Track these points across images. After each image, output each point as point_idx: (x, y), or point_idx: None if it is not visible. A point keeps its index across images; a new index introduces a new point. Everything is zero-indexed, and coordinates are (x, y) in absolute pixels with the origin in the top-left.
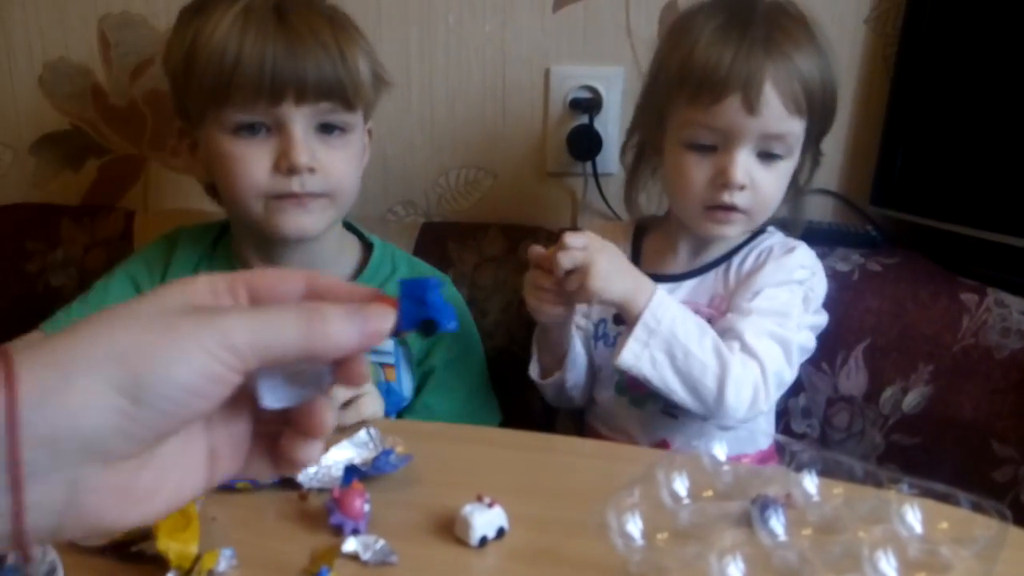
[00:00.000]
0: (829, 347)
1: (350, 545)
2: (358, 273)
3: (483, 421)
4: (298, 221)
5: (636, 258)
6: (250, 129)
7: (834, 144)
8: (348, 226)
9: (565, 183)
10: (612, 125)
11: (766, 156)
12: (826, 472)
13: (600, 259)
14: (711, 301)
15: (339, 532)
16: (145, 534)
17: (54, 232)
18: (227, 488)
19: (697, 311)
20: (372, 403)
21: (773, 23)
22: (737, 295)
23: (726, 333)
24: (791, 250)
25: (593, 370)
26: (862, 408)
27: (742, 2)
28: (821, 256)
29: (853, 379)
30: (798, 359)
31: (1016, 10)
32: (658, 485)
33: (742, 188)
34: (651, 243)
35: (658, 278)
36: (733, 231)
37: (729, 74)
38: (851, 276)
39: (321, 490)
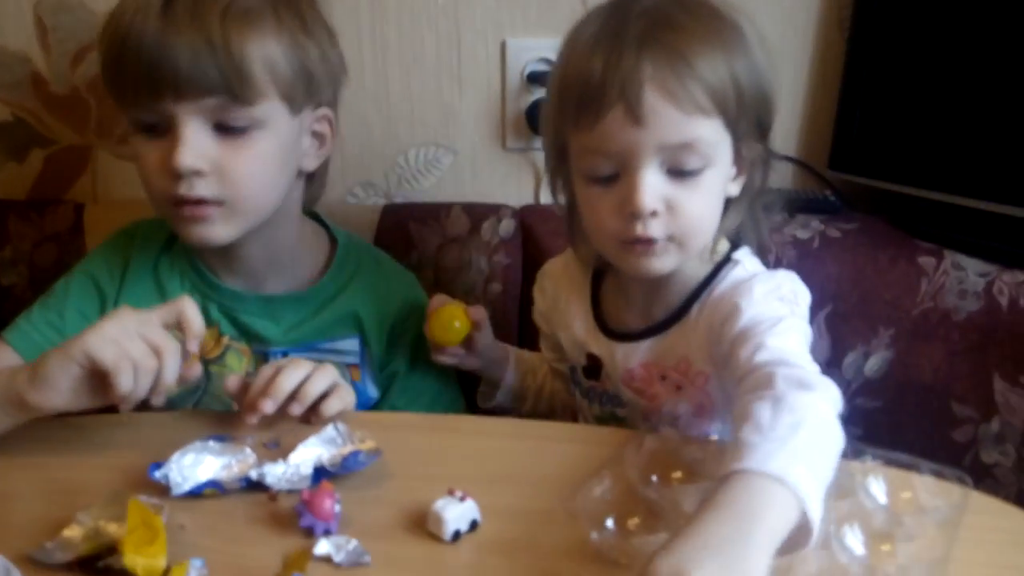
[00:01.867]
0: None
1: (322, 547)
2: (323, 270)
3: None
4: (198, 232)
5: (595, 306)
6: (150, 128)
7: (791, 109)
8: (314, 216)
9: (527, 157)
10: None
11: (678, 173)
12: None
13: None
14: (677, 364)
15: (310, 534)
16: (111, 549)
17: (1, 229)
18: (193, 495)
19: (664, 376)
20: (347, 395)
21: (654, 19)
22: (724, 344)
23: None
24: (749, 288)
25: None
26: (825, 374)
27: (622, 3)
28: (781, 224)
29: (816, 345)
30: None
31: None
32: (627, 470)
33: (654, 215)
34: (608, 286)
35: (615, 335)
36: (663, 264)
37: (603, 84)
38: (811, 243)
39: (290, 491)
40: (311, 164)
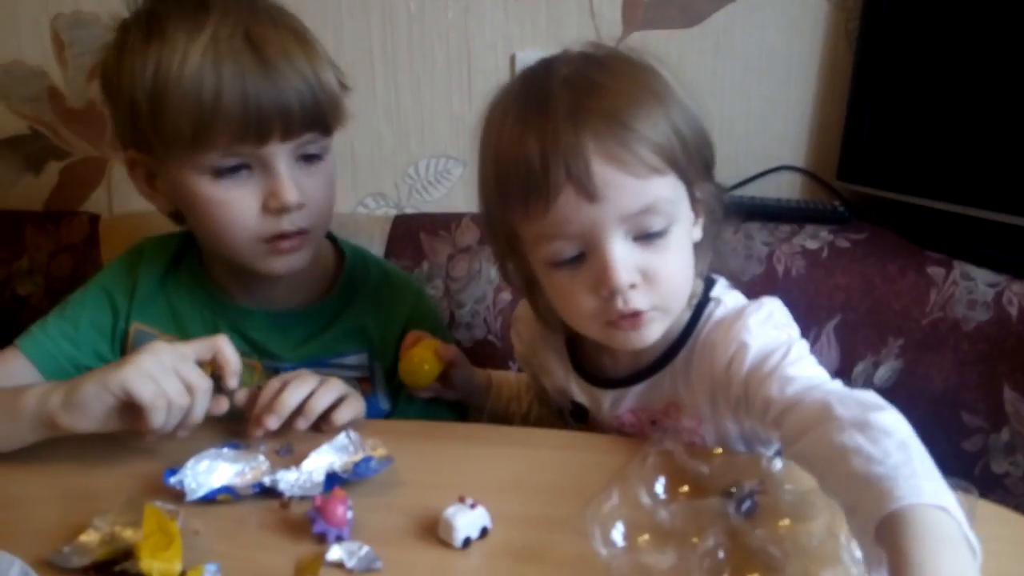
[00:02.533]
0: (801, 325)
1: (334, 553)
2: (332, 286)
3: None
4: (289, 262)
5: (574, 359)
6: (231, 171)
7: (800, 121)
8: None
9: None
10: None
11: (646, 237)
12: None
13: None
14: (667, 408)
15: (323, 540)
16: (128, 554)
17: (18, 240)
18: (207, 500)
19: (654, 421)
20: (357, 404)
21: (578, 87)
22: (734, 390)
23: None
24: (752, 310)
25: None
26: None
27: (536, 76)
28: (791, 235)
29: (825, 356)
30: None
31: None
32: (635, 485)
33: (633, 287)
34: (586, 340)
35: (600, 382)
36: (652, 333)
37: (546, 168)
38: (820, 254)
39: (303, 498)
40: None
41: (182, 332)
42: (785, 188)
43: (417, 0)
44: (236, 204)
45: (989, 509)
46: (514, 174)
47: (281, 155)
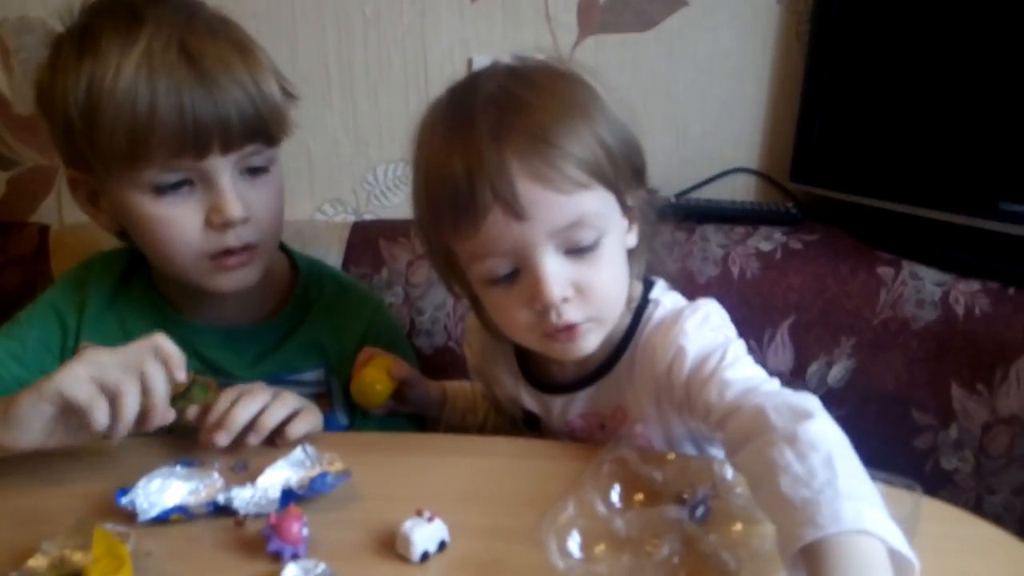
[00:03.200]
0: (756, 326)
1: (290, 572)
2: (286, 301)
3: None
4: (237, 278)
5: (523, 367)
6: (173, 187)
7: (754, 123)
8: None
9: None
10: None
11: (577, 252)
12: None
13: None
14: (614, 413)
15: (278, 558)
16: None
17: None
18: (160, 520)
19: (603, 425)
20: (312, 417)
21: (501, 105)
22: (671, 391)
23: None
24: (688, 314)
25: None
26: (790, 383)
27: (462, 92)
28: (745, 236)
29: (780, 356)
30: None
31: None
32: (590, 494)
33: (566, 300)
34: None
35: (549, 388)
36: (588, 344)
37: (472, 188)
38: (774, 255)
39: (258, 515)
40: None
41: None
42: (740, 190)
43: (372, 5)
44: (178, 221)
45: (935, 507)
46: (443, 194)
47: (223, 169)
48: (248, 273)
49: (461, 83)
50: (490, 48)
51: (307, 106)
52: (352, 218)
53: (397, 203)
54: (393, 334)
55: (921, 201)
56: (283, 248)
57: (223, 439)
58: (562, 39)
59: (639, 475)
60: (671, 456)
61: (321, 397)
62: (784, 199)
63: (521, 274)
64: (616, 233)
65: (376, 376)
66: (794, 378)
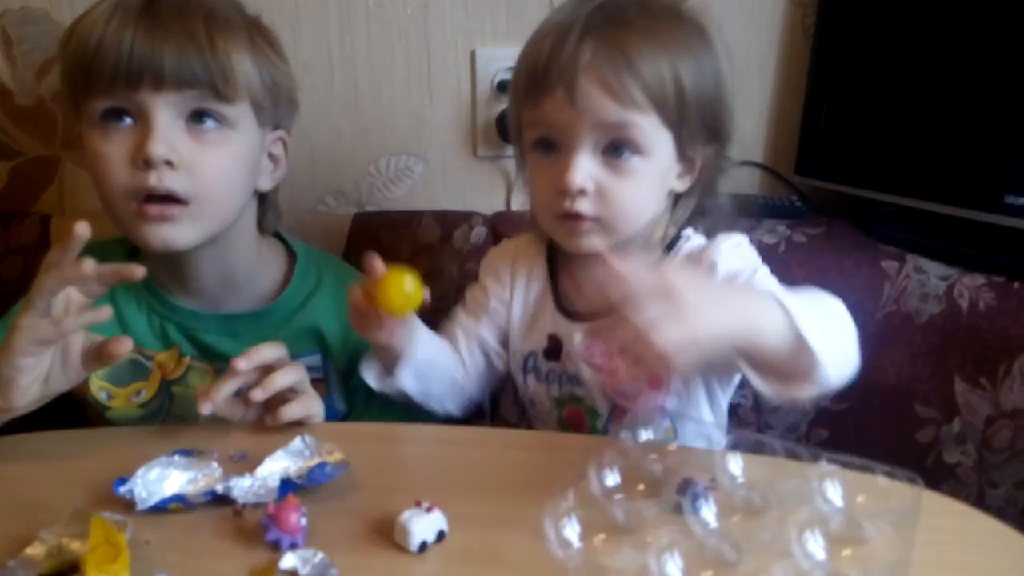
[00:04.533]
0: None
1: (288, 561)
2: (283, 287)
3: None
4: (161, 233)
5: (554, 285)
6: (116, 117)
7: (758, 116)
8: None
9: (497, 165)
10: None
11: (613, 152)
12: (749, 452)
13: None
14: (639, 339)
15: (276, 548)
16: (74, 567)
17: None
18: (159, 509)
19: (624, 349)
20: (313, 404)
21: (607, 13)
22: None
23: None
24: (723, 238)
25: (481, 388)
26: None
27: None
28: (749, 229)
29: None
30: None
31: None
32: (590, 484)
33: (583, 193)
34: (563, 270)
35: (574, 316)
36: (590, 243)
37: (547, 68)
38: (778, 248)
39: (257, 505)
40: (266, 184)
41: (138, 340)
42: (745, 183)
43: None
44: (111, 156)
45: (937, 500)
46: (528, 63)
47: (159, 107)
48: (176, 232)
49: None
50: (494, 39)
51: (310, 97)
52: (354, 210)
53: (399, 195)
54: None
55: (926, 195)
56: (278, 236)
57: (228, 388)
58: None
59: (640, 466)
60: (672, 447)
61: (318, 383)
62: (789, 192)
63: (559, 152)
64: (656, 163)
65: (413, 274)
66: None
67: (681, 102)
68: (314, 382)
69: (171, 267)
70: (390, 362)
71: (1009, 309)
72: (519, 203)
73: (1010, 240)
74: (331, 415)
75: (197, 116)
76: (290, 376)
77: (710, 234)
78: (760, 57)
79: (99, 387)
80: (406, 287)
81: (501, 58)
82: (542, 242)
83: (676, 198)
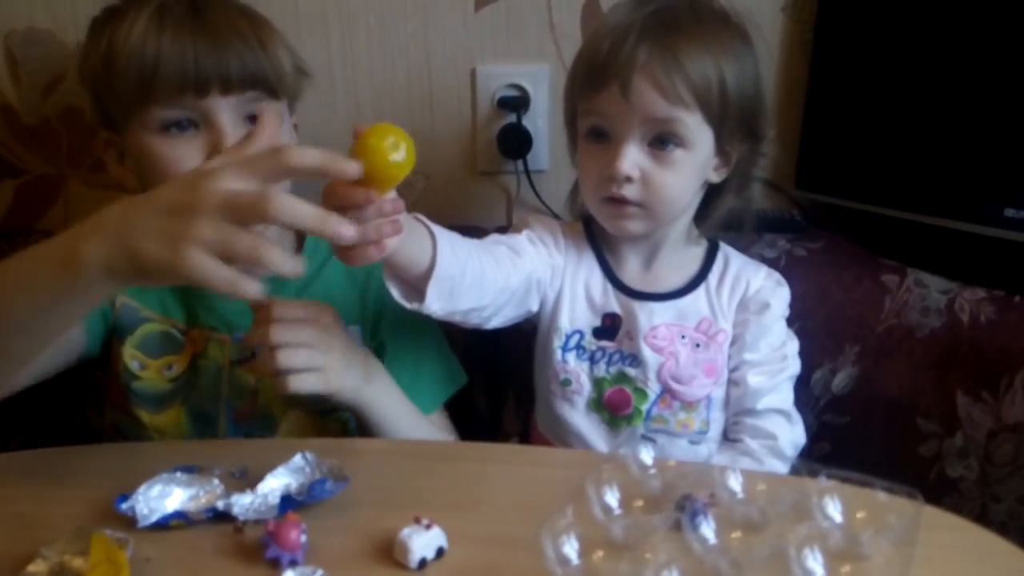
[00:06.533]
0: None
1: None
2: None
3: (445, 383)
4: None
5: (605, 266)
6: (178, 126)
7: None
8: None
9: (498, 181)
10: (541, 122)
11: (659, 144)
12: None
13: None
14: (699, 324)
15: (276, 565)
16: None
17: None
18: (160, 526)
19: (684, 335)
20: (316, 381)
21: (662, 18)
22: (749, 333)
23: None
24: (779, 283)
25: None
26: (795, 390)
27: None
28: (750, 243)
29: None
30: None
31: None
32: (589, 501)
33: (629, 180)
34: (607, 252)
35: (635, 295)
36: (632, 226)
37: (605, 65)
38: (778, 262)
39: (257, 522)
40: None
41: (164, 311)
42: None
43: (376, 14)
44: (180, 157)
45: (937, 515)
46: (587, 57)
47: (224, 110)
48: None
49: None
50: (493, 56)
51: (312, 114)
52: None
53: None
54: None
55: (926, 208)
56: None
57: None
58: (565, 48)
59: (638, 482)
60: (671, 463)
61: None
62: (789, 206)
63: (609, 142)
64: (697, 156)
65: (398, 133)
66: (799, 385)
67: (723, 101)
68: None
69: None
70: (410, 280)
71: (1010, 323)
72: (519, 218)
73: (1011, 254)
74: None
75: (253, 118)
76: (297, 360)
77: (730, 235)
78: (761, 71)
79: (132, 355)
80: (396, 143)
81: (501, 76)
82: (579, 227)
83: (709, 192)
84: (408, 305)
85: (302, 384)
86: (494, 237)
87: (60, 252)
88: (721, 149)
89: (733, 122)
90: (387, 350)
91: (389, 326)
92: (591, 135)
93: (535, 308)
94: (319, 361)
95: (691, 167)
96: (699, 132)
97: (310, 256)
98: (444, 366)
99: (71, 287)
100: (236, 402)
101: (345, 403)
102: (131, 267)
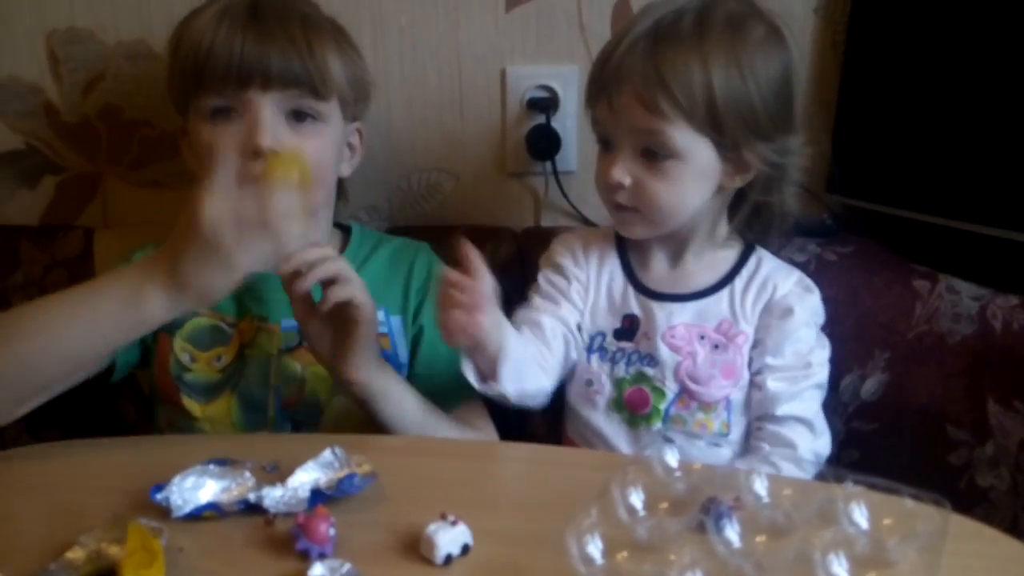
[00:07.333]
0: None
1: (316, 570)
2: (341, 249)
3: None
4: None
5: (627, 269)
6: (224, 114)
7: None
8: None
9: (526, 182)
10: (570, 123)
11: (651, 154)
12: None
13: None
14: (719, 326)
15: (306, 557)
16: (111, 571)
17: (13, 254)
18: (193, 517)
19: (704, 335)
20: (355, 288)
21: (657, 30)
22: (771, 338)
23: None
24: (808, 289)
25: (563, 373)
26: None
27: (656, 4)
28: (779, 247)
29: None
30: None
31: None
32: (614, 501)
33: (620, 187)
34: (631, 253)
35: (655, 296)
36: (633, 231)
37: (599, 75)
38: (808, 266)
39: (287, 514)
40: (347, 170)
41: (213, 306)
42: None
43: (408, 15)
44: (220, 144)
45: (965, 524)
46: (591, 70)
47: (264, 103)
48: None
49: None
50: (523, 57)
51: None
52: (386, 224)
53: (430, 210)
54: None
55: (958, 214)
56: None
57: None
58: (595, 49)
59: (664, 483)
60: (696, 466)
61: (382, 336)
62: (820, 210)
63: (611, 149)
64: (692, 166)
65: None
66: (828, 390)
67: (712, 111)
68: (379, 336)
69: None
70: (486, 364)
71: None
72: (547, 220)
73: None
74: (395, 365)
75: (295, 114)
76: (328, 267)
77: (760, 239)
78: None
79: (182, 348)
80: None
81: (531, 76)
82: (610, 235)
83: (738, 195)
84: (481, 387)
85: (336, 295)
86: (519, 318)
87: (123, 293)
88: (729, 156)
89: (734, 129)
90: (426, 334)
91: (430, 314)
92: (600, 143)
93: (575, 355)
94: (350, 273)
95: (687, 176)
96: (691, 142)
97: (356, 247)
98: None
99: (132, 322)
100: (284, 389)
101: (358, 391)
102: (199, 301)
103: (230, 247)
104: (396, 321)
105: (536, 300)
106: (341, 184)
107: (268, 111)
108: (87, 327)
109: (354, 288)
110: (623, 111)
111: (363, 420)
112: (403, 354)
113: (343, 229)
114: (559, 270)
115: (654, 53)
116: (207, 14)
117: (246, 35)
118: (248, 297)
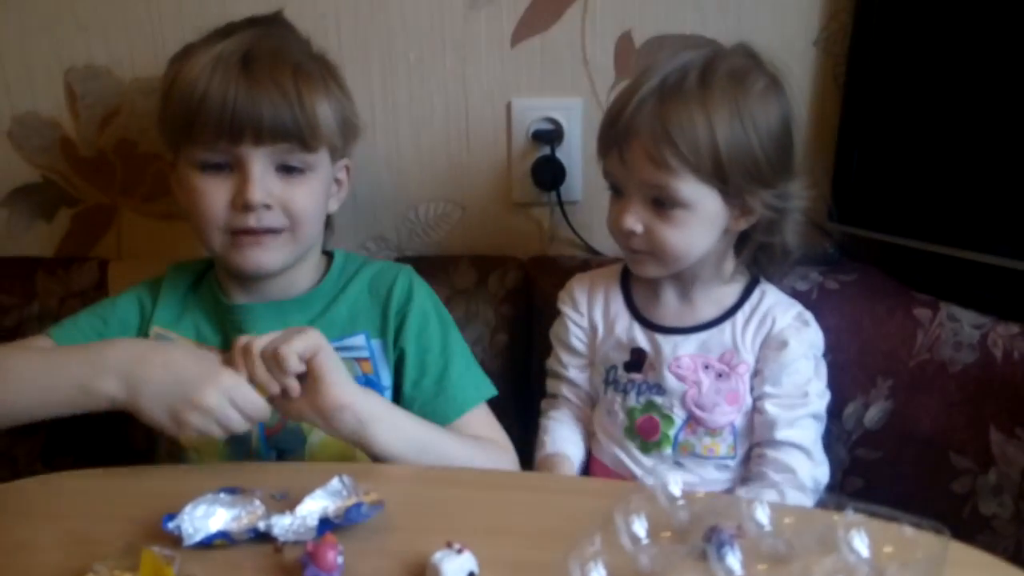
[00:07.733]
0: None
1: None
2: (323, 276)
3: (471, 391)
4: (256, 258)
5: (630, 304)
6: (215, 167)
7: None
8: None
9: (532, 212)
10: (574, 154)
11: (660, 204)
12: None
13: None
14: (722, 356)
15: None
16: None
17: (29, 285)
18: (204, 545)
19: (708, 365)
20: (312, 336)
21: (664, 88)
22: (769, 368)
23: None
24: (805, 323)
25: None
26: (827, 423)
27: (677, 60)
28: (782, 276)
29: None
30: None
31: (962, 28)
32: (617, 529)
33: (633, 234)
34: (638, 290)
35: (661, 329)
36: (647, 271)
37: (610, 129)
38: (810, 295)
39: (296, 542)
40: (334, 205)
41: (200, 338)
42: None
43: (416, 51)
44: (211, 195)
45: (965, 552)
46: (602, 122)
47: (256, 158)
48: (267, 256)
49: (695, 52)
50: (529, 91)
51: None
52: (394, 254)
53: (437, 240)
54: (428, 295)
55: (959, 242)
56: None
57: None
58: (598, 82)
59: (666, 512)
60: (699, 494)
61: (363, 361)
62: (822, 239)
63: (622, 197)
64: (700, 213)
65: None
66: (831, 419)
67: (717, 164)
68: (360, 361)
69: (240, 280)
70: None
71: None
72: (554, 249)
73: None
74: (377, 389)
75: (284, 168)
76: (285, 368)
77: (765, 273)
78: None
79: None
80: None
81: (536, 109)
82: (616, 272)
83: (744, 234)
84: None
85: (293, 349)
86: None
87: (80, 376)
88: (734, 202)
89: (740, 179)
90: (408, 357)
91: (411, 336)
92: (611, 189)
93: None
94: (287, 347)
95: (695, 223)
96: (698, 192)
97: (338, 273)
98: (470, 375)
99: (84, 405)
100: (267, 420)
101: (352, 419)
102: (135, 414)
103: (188, 421)
104: (377, 344)
105: (561, 355)
106: (328, 217)
107: (259, 166)
108: (43, 394)
109: (297, 345)
110: (633, 165)
111: (345, 449)
112: (386, 377)
113: (327, 255)
114: (563, 322)
115: (661, 111)
116: (200, 60)
117: (239, 87)
118: (232, 329)
